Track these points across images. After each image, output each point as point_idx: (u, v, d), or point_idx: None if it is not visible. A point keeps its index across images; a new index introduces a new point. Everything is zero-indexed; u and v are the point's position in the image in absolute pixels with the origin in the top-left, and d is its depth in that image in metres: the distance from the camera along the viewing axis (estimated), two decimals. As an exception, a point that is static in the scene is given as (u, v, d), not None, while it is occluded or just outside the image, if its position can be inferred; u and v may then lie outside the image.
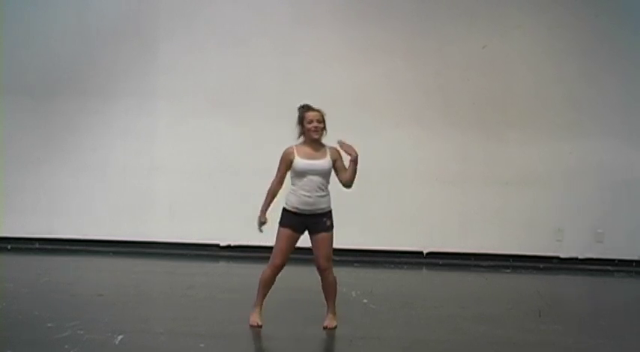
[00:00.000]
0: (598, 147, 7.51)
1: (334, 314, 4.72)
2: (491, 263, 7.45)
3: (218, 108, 7.54)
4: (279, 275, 4.64)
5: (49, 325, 4.56)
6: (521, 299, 5.91)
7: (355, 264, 7.16)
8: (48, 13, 7.60)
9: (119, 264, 7.13)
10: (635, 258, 7.60)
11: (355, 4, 7.57)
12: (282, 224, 4.59)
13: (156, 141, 7.63)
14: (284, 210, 4.61)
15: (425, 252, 7.63)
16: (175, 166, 7.57)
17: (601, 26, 7.50)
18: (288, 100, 7.30)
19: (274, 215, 4.63)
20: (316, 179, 4.53)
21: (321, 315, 4.75)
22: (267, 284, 4.63)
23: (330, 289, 4.67)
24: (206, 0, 7.57)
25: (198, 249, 7.60)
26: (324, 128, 4.61)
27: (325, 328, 4.67)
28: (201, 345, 4.27)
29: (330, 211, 4.61)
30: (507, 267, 7.41)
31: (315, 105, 4.66)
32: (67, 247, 7.52)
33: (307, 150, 4.59)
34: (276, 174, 4.67)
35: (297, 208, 4.55)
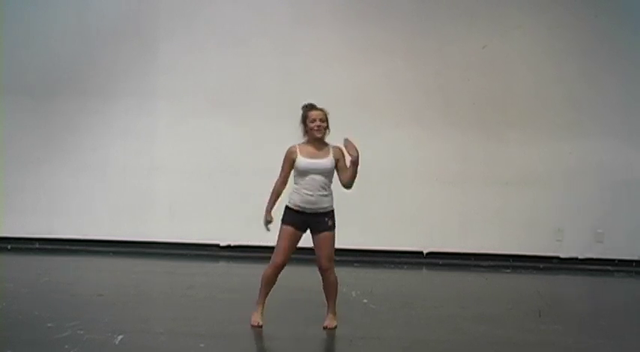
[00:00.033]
0: (598, 147, 7.51)
1: (334, 314, 4.72)
2: (491, 263, 7.45)
3: (218, 108, 7.54)
4: (280, 274, 4.64)
5: (49, 325, 4.56)
6: (521, 299, 5.92)
7: (355, 264, 7.16)
8: (48, 13, 7.60)
9: (119, 264, 7.13)
10: (635, 257, 7.60)
11: (355, 4, 7.57)
12: (284, 221, 4.60)
13: (156, 141, 7.63)
14: (287, 207, 4.62)
15: (425, 252, 7.63)
16: (175, 166, 7.57)
17: (601, 26, 7.51)
18: (288, 100, 7.33)
19: (278, 213, 4.65)
20: (318, 178, 4.54)
21: (321, 315, 4.75)
22: (268, 283, 4.63)
23: (330, 289, 4.67)
24: (206, 0, 7.58)
25: (198, 249, 7.60)
26: (327, 127, 4.62)
27: (325, 328, 4.67)
28: (201, 345, 4.27)
29: (333, 211, 4.61)
30: (507, 267, 7.41)
31: (318, 105, 4.65)
32: (67, 247, 7.52)
33: (310, 149, 4.59)
34: (280, 173, 4.68)
35: (299, 207, 4.55)
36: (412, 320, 5.10)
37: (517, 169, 7.53)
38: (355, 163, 4.50)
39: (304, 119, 4.62)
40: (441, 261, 7.54)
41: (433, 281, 7.04)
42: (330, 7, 7.59)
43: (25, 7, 7.58)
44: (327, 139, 4.66)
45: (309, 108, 4.63)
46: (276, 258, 4.56)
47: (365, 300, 5.58)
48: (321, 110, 4.62)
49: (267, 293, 4.65)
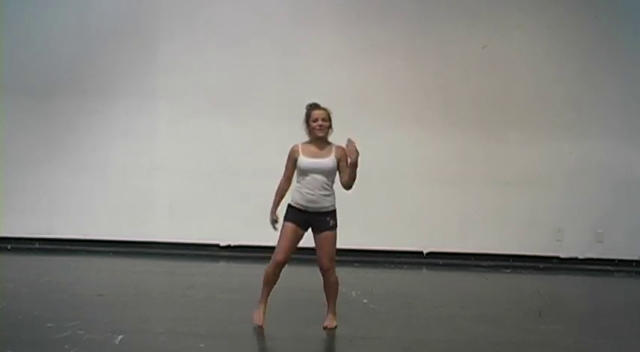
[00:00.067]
0: (598, 147, 7.51)
1: (334, 314, 4.73)
2: (491, 263, 7.45)
3: (218, 108, 7.54)
4: (281, 274, 4.64)
5: (49, 325, 4.57)
6: (521, 299, 5.92)
7: (355, 264, 7.17)
8: (48, 13, 7.60)
9: (119, 264, 7.13)
10: (635, 258, 7.60)
11: (355, 4, 7.57)
12: (286, 219, 4.62)
13: (156, 141, 7.63)
14: (289, 206, 4.64)
15: (425, 252, 7.63)
16: (175, 166, 7.57)
17: (601, 26, 7.51)
18: (288, 100, 7.40)
19: (282, 212, 4.66)
20: (319, 178, 4.54)
21: (321, 315, 4.75)
22: (269, 281, 4.63)
23: (331, 289, 4.68)
24: (206, 0, 7.58)
25: (198, 249, 7.60)
26: (330, 126, 4.62)
27: (325, 328, 4.68)
28: (201, 345, 4.27)
29: (335, 210, 4.62)
30: (507, 267, 7.41)
31: (321, 105, 4.66)
32: (67, 247, 7.52)
33: (312, 148, 4.60)
34: (284, 173, 4.70)
35: (301, 205, 4.57)
36: (412, 320, 5.10)
37: (517, 169, 7.53)
38: (353, 165, 4.50)
39: (307, 118, 4.63)
40: (441, 261, 7.54)
41: (433, 281, 7.04)
42: (330, 7, 7.59)
43: (25, 7, 7.58)
44: (331, 139, 4.65)
45: (312, 107, 4.64)
46: (277, 255, 4.56)
47: (365, 300, 5.59)
48: (324, 109, 4.63)
49: (268, 292, 4.66)
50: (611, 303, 6.24)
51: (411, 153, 7.53)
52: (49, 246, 7.56)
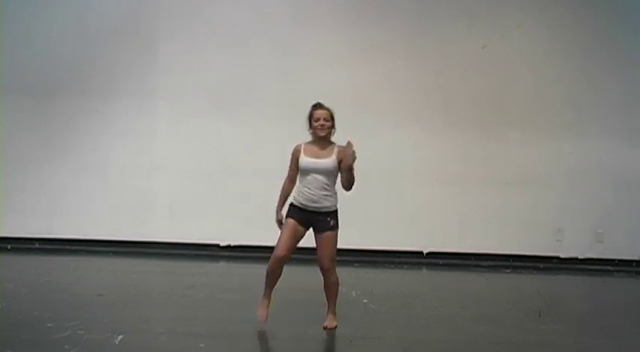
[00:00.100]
0: (598, 147, 7.51)
1: (334, 314, 4.73)
2: (491, 263, 7.45)
3: (218, 108, 7.54)
4: (283, 274, 4.64)
5: (49, 325, 4.57)
6: (521, 299, 5.92)
7: (355, 264, 7.17)
8: (48, 13, 7.60)
9: (119, 264, 7.13)
10: (635, 258, 7.60)
11: (355, 4, 7.57)
12: (287, 216, 4.62)
13: (156, 141, 7.63)
14: (291, 204, 4.65)
15: (425, 252, 7.63)
16: (175, 166, 7.57)
17: (601, 26, 7.51)
18: (288, 100, 7.41)
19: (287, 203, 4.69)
20: (319, 178, 4.54)
21: (321, 315, 4.75)
22: (271, 276, 4.61)
23: (331, 289, 4.68)
24: (206, 0, 7.58)
25: (198, 249, 7.60)
26: (333, 126, 4.63)
27: (325, 328, 4.68)
28: (201, 345, 4.27)
29: (336, 211, 4.62)
30: (507, 267, 7.41)
31: (313, 105, 4.68)
32: (67, 247, 7.53)
33: (314, 148, 4.61)
34: (288, 173, 4.72)
35: (302, 204, 4.58)
36: (412, 320, 5.10)
37: (517, 169, 7.53)
38: (347, 169, 4.48)
39: (310, 118, 4.63)
40: (441, 261, 7.54)
41: (433, 281, 7.04)
42: (330, 7, 7.59)
43: (25, 7, 7.58)
44: (332, 139, 4.66)
45: (315, 107, 4.65)
46: (277, 251, 4.54)
47: (365, 300, 5.59)
48: (327, 109, 4.63)
49: (271, 287, 4.63)
50: (611, 303, 6.23)
51: (411, 153, 7.53)
52: (49, 246, 7.56)
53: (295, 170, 4.66)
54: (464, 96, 7.53)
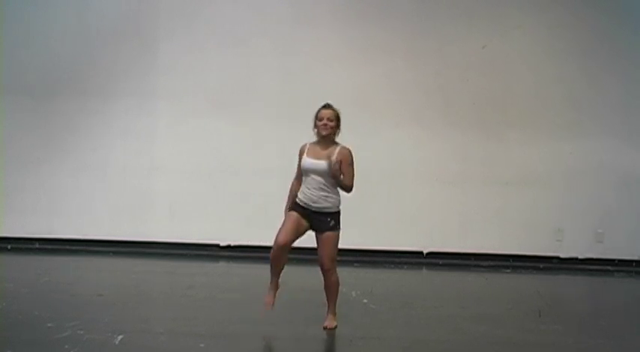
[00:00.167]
0: (598, 146, 7.51)
1: (334, 314, 4.73)
2: (491, 263, 7.45)
3: (218, 108, 7.54)
4: (281, 274, 4.63)
5: (49, 325, 4.57)
6: (521, 299, 5.92)
7: (355, 264, 7.16)
8: (48, 13, 7.60)
9: (119, 264, 7.13)
10: (635, 257, 7.60)
11: (355, 4, 7.57)
12: (291, 209, 4.65)
13: (156, 141, 7.63)
14: (295, 203, 4.66)
15: (425, 252, 7.63)
16: (175, 166, 7.57)
17: (601, 26, 7.51)
18: (288, 100, 7.41)
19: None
20: (318, 178, 4.55)
21: (321, 315, 4.75)
22: (273, 263, 4.58)
23: (331, 289, 4.68)
24: (206, 0, 7.57)
25: (198, 249, 7.60)
26: (336, 127, 4.63)
27: (325, 328, 4.68)
28: (201, 345, 4.27)
29: (337, 212, 4.62)
30: (507, 267, 7.41)
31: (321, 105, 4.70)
32: (67, 247, 7.52)
33: (317, 148, 4.62)
34: (296, 171, 4.73)
35: (303, 203, 4.60)
36: (412, 320, 5.10)
37: (517, 169, 7.53)
38: (332, 176, 4.51)
39: (315, 117, 4.64)
40: (441, 261, 7.54)
41: (433, 281, 7.04)
42: (330, 7, 7.59)
43: (25, 7, 7.58)
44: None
45: (322, 107, 4.67)
46: (278, 238, 4.51)
47: (365, 300, 5.59)
48: (332, 110, 4.65)
49: (276, 275, 4.61)
50: (611, 303, 6.24)
51: (411, 153, 7.53)
52: (49, 246, 7.56)
53: (301, 169, 4.68)
54: (464, 96, 7.53)
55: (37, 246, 7.60)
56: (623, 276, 7.31)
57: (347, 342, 4.52)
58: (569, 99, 7.55)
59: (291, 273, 4.76)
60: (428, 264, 7.54)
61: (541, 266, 7.51)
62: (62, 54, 7.61)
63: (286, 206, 4.72)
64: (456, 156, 7.54)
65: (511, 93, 7.55)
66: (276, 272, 4.62)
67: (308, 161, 4.59)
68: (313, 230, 4.61)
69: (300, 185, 4.68)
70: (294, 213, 4.60)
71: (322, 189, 4.55)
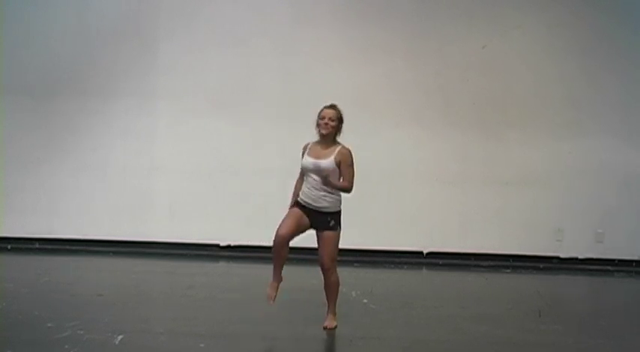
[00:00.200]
0: (597, 146, 7.51)
1: (334, 314, 4.73)
2: (492, 263, 7.45)
3: (218, 108, 7.54)
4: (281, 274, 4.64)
5: (49, 325, 4.57)
6: (521, 299, 5.92)
7: (355, 264, 7.16)
8: (48, 13, 7.60)
9: (119, 264, 7.13)
10: (635, 257, 7.60)
11: (355, 4, 7.57)
12: (293, 206, 4.67)
13: (156, 141, 7.63)
14: (296, 201, 4.68)
15: (425, 252, 7.63)
16: (175, 166, 7.57)
17: (600, 25, 7.51)
18: (288, 100, 7.41)
19: (287, 203, 4.72)
20: (317, 178, 4.57)
21: (321, 315, 4.75)
22: (276, 256, 4.57)
23: (331, 289, 4.68)
24: (206, 0, 7.57)
25: (198, 249, 7.60)
26: (337, 127, 4.64)
27: (325, 328, 4.68)
28: (201, 345, 4.27)
29: (337, 212, 4.63)
30: (507, 267, 7.41)
31: (321, 105, 4.72)
32: (67, 247, 7.52)
33: (317, 148, 4.64)
34: (300, 170, 4.75)
35: (304, 202, 4.61)
36: (412, 320, 5.10)
37: (517, 169, 7.53)
38: (324, 184, 4.53)
39: (317, 116, 4.66)
40: (441, 261, 7.54)
41: (433, 281, 7.04)
42: (330, 7, 7.59)
43: (25, 7, 7.58)
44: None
45: (326, 106, 4.69)
46: (279, 229, 4.51)
47: (365, 300, 5.59)
48: (335, 110, 4.66)
49: (279, 268, 4.60)
50: (611, 303, 6.24)
51: (411, 153, 7.53)
52: (49, 246, 7.56)
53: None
54: (464, 96, 7.53)
55: (37, 246, 7.60)
56: (623, 276, 7.31)
57: (347, 342, 4.52)
58: (568, 99, 7.54)
59: (291, 273, 4.76)
60: (428, 264, 7.54)
61: (541, 266, 7.51)
62: (62, 54, 7.61)
63: (290, 203, 4.73)
64: (456, 156, 7.54)
65: (511, 93, 7.54)
66: (278, 265, 4.60)
67: (308, 160, 4.60)
68: (314, 228, 4.62)
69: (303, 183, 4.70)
70: (296, 209, 4.62)
71: (322, 189, 4.56)
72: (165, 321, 4.88)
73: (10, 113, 7.58)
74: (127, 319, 4.87)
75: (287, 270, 4.65)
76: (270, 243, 4.59)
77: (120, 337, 4.36)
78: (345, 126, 4.72)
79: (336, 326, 4.70)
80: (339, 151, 4.59)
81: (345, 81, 7.42)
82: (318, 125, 4.64)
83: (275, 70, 7.52)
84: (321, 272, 4.67)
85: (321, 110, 4.67)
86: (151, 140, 7.62)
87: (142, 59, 7.59)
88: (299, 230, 4.57)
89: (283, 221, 4.55)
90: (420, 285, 6.79)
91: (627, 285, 7.04)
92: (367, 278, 6.58)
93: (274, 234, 4.51)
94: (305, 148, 4.69)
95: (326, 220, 4.58)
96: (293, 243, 4.60)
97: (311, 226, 4.61)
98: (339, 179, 4.60)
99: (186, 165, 7.56)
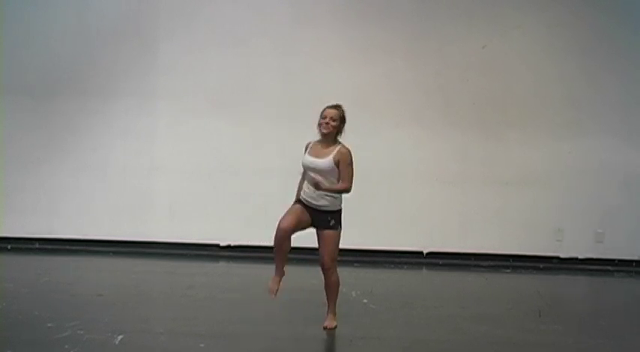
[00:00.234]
0: (597, 146, 7.51)
1: (334, 314, 4.73)
2: (491, 263, 7.45)
3: (218, 108, 7.54)
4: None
5: (49, 325, 4.57)
6: (521, 299, 5.92)
7: (355, 264, 7.16)
8: (48, 13, 7.59)
9: (119, 264, 7.13)
10: (635, 257, 7.59)
11: (355, 4, 7.57)
12: (295, 202, 4.69)
13: (156, 141, 7.63)
14: (298, 199, 4.69)
15: (425, 252, 7.63)
16: (175, 166, 7.57)
17: (600, 25, 7.50)
18: (288, 100, 7.41)
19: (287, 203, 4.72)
20: (317, 177, 4.55)
21: (321, 315, 4.75)
22: (277, 250, 4.57)
23: (332, 289, 4.69)
24: (206, 0, 7.57)
25: (198, 249, 7.60)
26: (338, 127, 4.65)
27: (325, 328, 4.68)
28: (201, 345, 4.28)
29: (338, 211, 4.64)
30: (507, 267, 7.41)
31: (321, 105, 4.73)
32: (67, 247, 7.52)
33: (318, 147, 4.66)
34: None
35: (304, 200, 4.62)
36: (412, 320, 5.10)
37: (517, 169, 7.53)
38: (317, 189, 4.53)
39: (320, 115, 4.67)
40: (441, 261, 7.54)
41: (433, 281, 7.04)
42: (330, 7, 7.59)
43: (25, 7, 7.58)
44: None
45: (329, 105, 4.70)
46: (280, 223, 4.50)
47: (365, 300, 5.59)
48: (337, 110, 4.67)
49: (281, 262, 4.59)
50: (611, 303, 6.24)
51: (411, 153, 7.53)
52: (49, 246, 7.56)
53: None
54: (464, 96, 7.53)
55: (37, 246, 7.60)
56: (623, 276, 7.31)
57: (347, 342, 4.52)
58: (568, 99, 7.54)
59: (291, 273, 4.75)
60: (428, 264, 7.54)
61: (541, 266, 7.51)
62: (62, 54, 7.61)
63: (294, 200, 4.74)
64: (456, 156, 7.54)
65: (511, 93, 7.54)
66: (280, 259, 4.59)
67: (308, 159, 4.62)
68: (314, 227, 4.62)
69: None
70: (298, 205, 4.64)
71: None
72: (165, 321, 4.88)
73: (10, 113, 7.58)
74: (127, 319, 4.87)
75: (287, 270, 4.65)
76: (270, 243, 4.59)
77: (120, 337, 4.36)
78: (345, 126, 4.72)
79: (336, 326, 4.70)
80: (338, 151, 4.59)
81: (345, 81, 7.42)
82: (319, 124, 4.65)
83: (275, 70, 7.52)
84: (321, 272, 4.67)
85: (324, 109, 4.68)
86: (151, 140, 7.62)
87: (142, 59, 7.59)
88: (300, 225, 4.57)
89: (285, 215, 4.56)
90: (420, 285, 6.79)
91: (627, 285, 7.03)
92: (367, 278, 6.58)
93: (276, 227, 4.51)
94: (307, 146, 4.71)
95: (326, 219, 4.58)
96: (293, 244, 4.60)
97: (312, 224, 4.61)
98: (338, 178, 4.59)
99: (186, 165, 7.56)
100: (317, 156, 4.59)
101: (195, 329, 4.66)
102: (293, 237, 4.58)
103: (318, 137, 4.69)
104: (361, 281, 6.28)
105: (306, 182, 4.64)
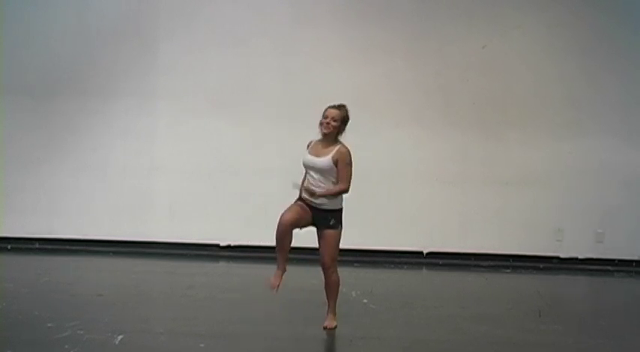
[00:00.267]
0: (597, 146, 7.51)
1: (334, 314, 4.73)
2: (491, 263, 7.45)
3: (218, 108, 7.54)
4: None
5: (49, 325, 4.57)
6: (521, 299, 5.92)
7: (355, 264, 7.16)
8: (48, 13, 7.59)
9: (119, 264, 7.13)
10: (635, 257, 7.59)
11: (355, 4, 7.57)
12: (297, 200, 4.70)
13: (156, 141, 7.63)
14: (300, 197, 4.70)
15: (425, 252, 7.63)
16: (175, 166, 7.57)
17: (600, 25, 7.50)
18: (288, 100, 7.41)
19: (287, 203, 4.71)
20: (316, 176, 4.59)
21: (321, 315, 4.75)
22: (279, 245, 4.56)
23: (332, 289, 4.69)
24: (206, 0, 7.57)
25: (198, 249, 7.59)
26: (339, 127, 4.65)
27: (325, 328, 4.68)
28: (201, 345, 4.28)
29: (338, 211, 4.64)
30: (507, 267, 7.41)
31: (321, 105, 4.74)
32: (67, 247, 7.52)
33: (319, 146, 4.67)
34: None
35: (306, 198, 4.62)
36: (412, 320, 5.11)
37: (517, 169, 7.53)
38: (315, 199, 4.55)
39: (322, 114, 4.67)
40: (441, 261, 7.54)
41: (433, 281, 7.04)
42: (330, 7, 7.59)
43: (25, 7, 7.57)
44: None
45: (332, 105, 4.71)
46: (282, 216, 4.51)
47: (365, 300, 5.59)
48: (339, 111, 4.67)
49: (283, 256, 4.59)
50: (611, 303, 6.24)
51: (411, 153, 7.53)
52: (49, 246, 7.55)
53: None
54: (464, 96, 7.53)
55: (37, 246, 7.60)
56: (623, 276, 7.31)
57: (347, 342, 4.52)
58: (568, 99, 7.54)
59: (291, 273, 4.75)
60: (428, 264, 7.54)
61: (541, 266, 7.51)
62: (62, 54, 7.61)
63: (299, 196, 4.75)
64: (456, 156, 7.54)
65: (511, 93, 7.54)
66: (281, 253, 4.59)
67: (308, 158, 4.64)
68: (315, 225, 4.62)
69: None
70: (300, 202, 4.64)
71: (319, 186, 4.56)
72: (165, 321, 4.88)
73: (10, 113, 7.58)
74: (127, 319, 4.87)
75: (287, 270, 4.64)
76: (271, 243, 4.60)
77: (120, 337, 4.36)
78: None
79: (336, 326, 4.70)
80: (337, 150, 4.60)
81: (345, 81, 7.41)
82: (320, 123, 4.65)
83: (275, 70, 7.52)
84: (321, 271, 4.67)
85: (326, 109, 4.68)
86: (151, 140, 7.62)
87: (142, 59, 7.59)
88: (301, 220, 4.57)
89: (286, 210, 4.57)
90: (420, 285, 6.79)
91: (627, 285, 7.04)
92: (367, 278, 6.58)
93: (278, 221, 4.51)
94: (308, 146, 4.72)
95: (326, 218, 4.58)
96: (294, 244, 4.60)
97: (313, 222, 4.61)
98: (337, 177, 4.58)
99: (186, 165, 7.56)
100: (317, 155, 4.60)
101: (195, 329, 4.66)
102: (294, 237, 4.57)
103: (319, 136, 4.69)
104: (361, 281, 6.27)
105: (306, 181, 4.65)
